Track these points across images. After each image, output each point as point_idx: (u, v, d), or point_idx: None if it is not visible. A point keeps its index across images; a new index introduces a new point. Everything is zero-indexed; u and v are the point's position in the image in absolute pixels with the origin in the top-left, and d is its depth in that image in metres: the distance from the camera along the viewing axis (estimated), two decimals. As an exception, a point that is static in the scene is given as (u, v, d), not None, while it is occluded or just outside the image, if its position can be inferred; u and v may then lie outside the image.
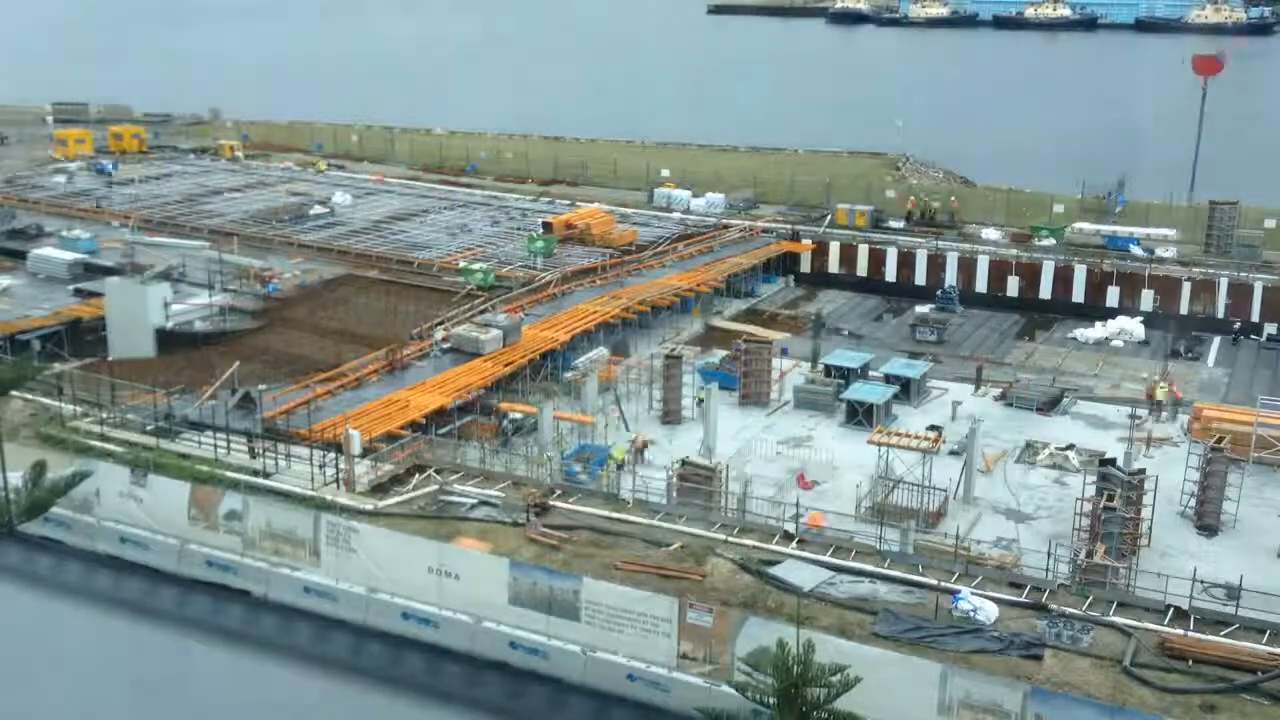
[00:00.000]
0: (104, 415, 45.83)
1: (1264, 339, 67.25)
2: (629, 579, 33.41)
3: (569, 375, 54.76)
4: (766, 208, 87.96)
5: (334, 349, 56.71)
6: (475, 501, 39.99)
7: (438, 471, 42.36)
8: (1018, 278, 74.63)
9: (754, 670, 25.51)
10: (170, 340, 57.24)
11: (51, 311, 59.75)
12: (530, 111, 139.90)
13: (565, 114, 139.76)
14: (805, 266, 79.74)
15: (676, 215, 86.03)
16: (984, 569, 36.41)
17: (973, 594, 33.26)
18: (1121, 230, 77.45)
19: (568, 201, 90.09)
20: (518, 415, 48.79)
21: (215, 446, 43.16)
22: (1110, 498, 39.17)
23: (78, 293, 63.23)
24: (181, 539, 37.09)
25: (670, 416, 51.70)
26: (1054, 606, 32.99)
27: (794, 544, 37.22)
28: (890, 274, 77.81)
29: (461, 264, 69.88)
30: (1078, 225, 78.52)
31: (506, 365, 53.98)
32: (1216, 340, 67.28)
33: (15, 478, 39.62)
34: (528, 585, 31.62)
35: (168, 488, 37.98)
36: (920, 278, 76.47)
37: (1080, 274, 73.13)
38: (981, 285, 75.21)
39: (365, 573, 34.35)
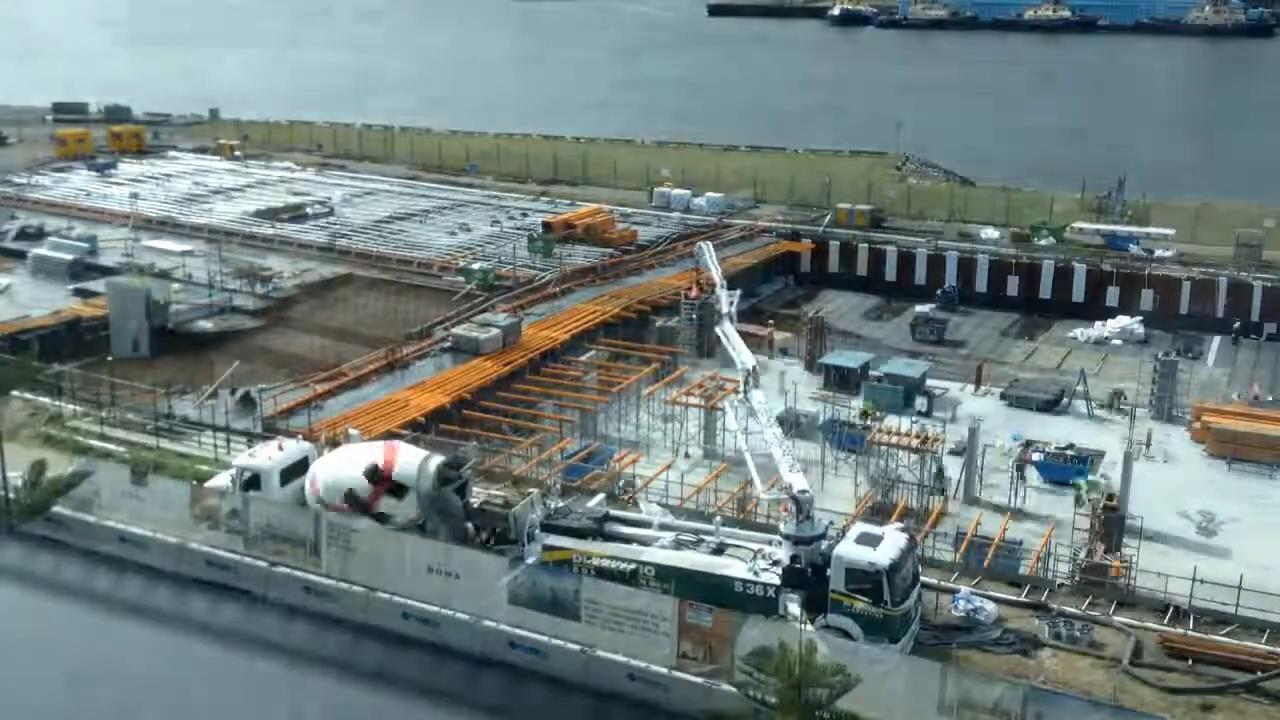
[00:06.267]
0: (104, 415, 45.86)
1: (1263, 337, 67.41)
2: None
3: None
4: (766, 208, 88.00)
5: (334, 349, 56.73)
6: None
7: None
8: (1018, 277, 74.67)
9: (754, 670, 25.55)
10: (170, 340, 57.24)
11: (51, 311, 59.81)
12: (530, 111, 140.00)
13: (565, 114, 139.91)
14: (805, 266, 79.78)
15: (676, 215, 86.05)
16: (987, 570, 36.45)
17: (972, 593, 33.27)
18: (1121, 230, 77.53)
19: (568, 201, 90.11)
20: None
21: (215, 446, 43.20)
22: (1110, 497, 39.24)
23: (78, 293, 63.24)
24: (181, 539, 37.07)
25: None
26: (1054, 606, 33.00)
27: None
28: (890, 274, 77.86)
29: (461, 263, 69.90)
30: (1077, 225, 78.57)
31: (506, 365, 54.04)
32: (1216, 340, 67.32)
33: (15, 477, 39.63)
34: (528, 585, 31.66)
35: (168, 488, 37.99)
36: (920, 278, 76.51)
37: (1080, 274, 73.18)
38: (981, 285, 75.26)
39: (365, 572, 34.39)
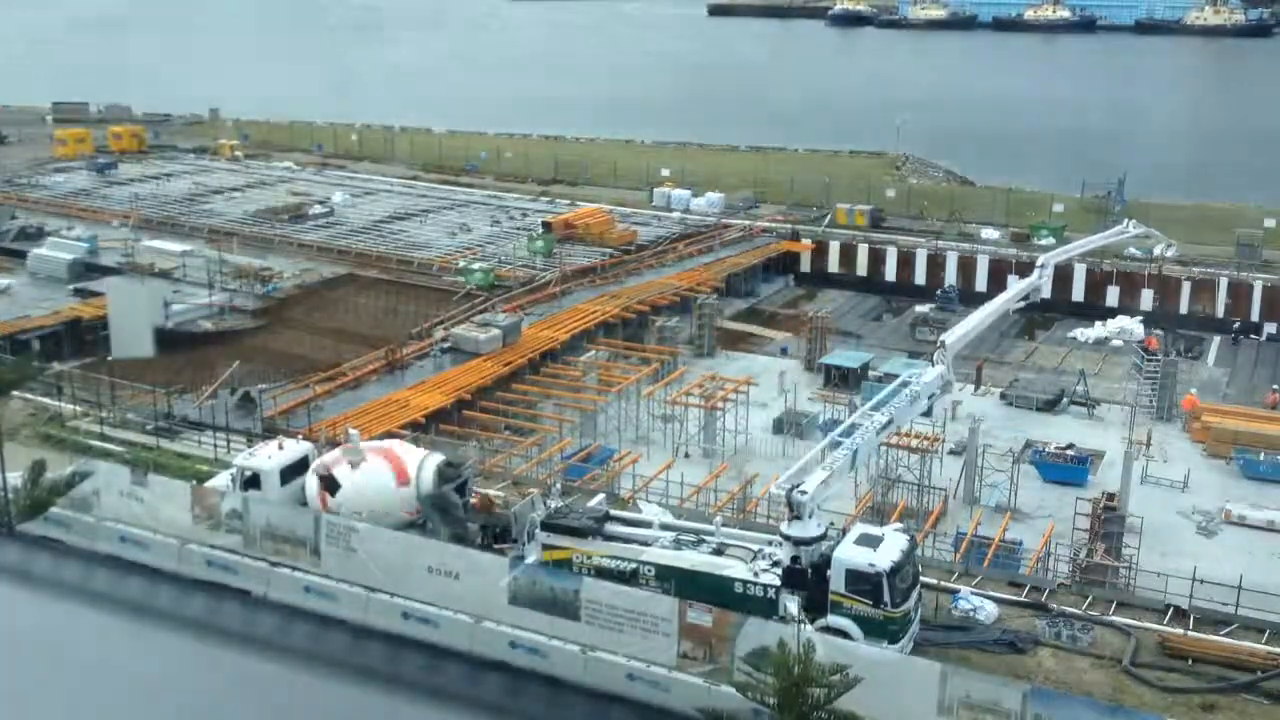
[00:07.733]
0: (104, 415, 45.84)
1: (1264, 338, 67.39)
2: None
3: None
4: (766, 208, 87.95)
5: (334, 349, 56.70)
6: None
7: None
8: (1018, 277, 74.51)
9: (754, 670, 25.49)
10: (170, 340, 57.16)
11: (51, 311, 59.80)
12: (530, 111, 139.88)
13: (565, 114, 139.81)
14: (805, 266, 79.74)
15: (676, 215, 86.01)
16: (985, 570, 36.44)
17: (972, 593, 33.26)
18: None
19: (568, 201, 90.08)
20: None
21: (215, 446, 43.19)
22: (1110, 497, 39.24)
23: (77, 293, 63.21)
24: (181, 539, 37.05)
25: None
26: (1054, 606, 32.99)
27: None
28: (890, 274, 77.83)
29: (460, 263, 69.86)
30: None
31: (506, 365, 54.04)
32: (1216, 340, 67.31)
33: (15, 478, 39.59)
34: (528, 585, 31.63)
35: (168, 488, 37.97)
36: (920, 277, 76.47)
37: (1080, 274, 73.12)
38: (981, 285, 75.12)
39: (365, 573, 34.36)
